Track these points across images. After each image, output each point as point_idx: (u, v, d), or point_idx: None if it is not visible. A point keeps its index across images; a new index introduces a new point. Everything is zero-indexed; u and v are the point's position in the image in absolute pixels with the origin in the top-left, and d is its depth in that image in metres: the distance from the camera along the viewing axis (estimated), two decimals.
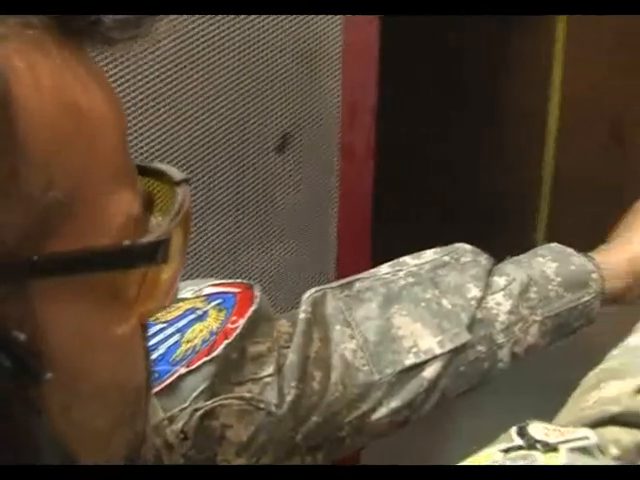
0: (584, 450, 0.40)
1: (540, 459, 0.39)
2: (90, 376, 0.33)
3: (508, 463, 0.39)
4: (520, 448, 0.41)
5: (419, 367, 0.63)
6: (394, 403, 0.63)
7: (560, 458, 0.39)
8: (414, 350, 0.64)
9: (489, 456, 0.41)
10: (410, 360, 0.63)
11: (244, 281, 0.66)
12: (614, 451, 0.45)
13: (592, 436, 0.41)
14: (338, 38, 1.30)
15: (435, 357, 0.64)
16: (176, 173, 0.38)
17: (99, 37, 0.32)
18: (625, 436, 0.44)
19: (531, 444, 0.41)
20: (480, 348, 0.66)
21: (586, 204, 3.22)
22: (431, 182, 3.03)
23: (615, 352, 0.56)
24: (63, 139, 0.30)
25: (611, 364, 0.54)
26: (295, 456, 0.62)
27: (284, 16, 1.21)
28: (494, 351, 0.67)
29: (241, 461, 0.57)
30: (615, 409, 0.45)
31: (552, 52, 3.96)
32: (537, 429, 0.42)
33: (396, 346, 0.64)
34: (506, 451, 0.42)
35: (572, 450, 0.40)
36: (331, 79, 1.32)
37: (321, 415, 0.61)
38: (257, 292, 0.64)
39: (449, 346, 0.64)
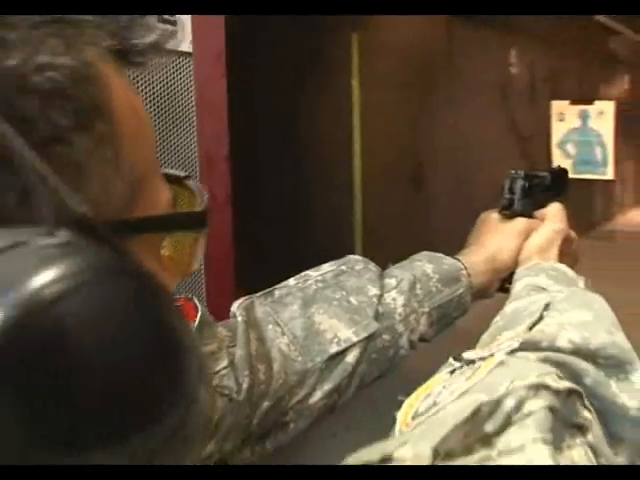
0: (513, 353, 0.53)
1: (481, 365, 0.51)
2: None
3: (455, 378, 0.52)
4: (461, 367, 0.54)
5: (342, 354, 0.75)
6: (326, 386, 0.74)
7: (496, 358, 0.51)
8: (335, 340, 0.75)
9: (437, 379, 0.53)
10: (334, 349, 0.75)
11: (181, 295, 0.75)
12: None
13: (515, 343, 0.54)
14: (191, 94, 1.42)
15: (353, 344, 0.76)
16: (178, 172, 0.48)
17: (133, 59, 0.41)
18: (531, 355, 0.57)
19: (469, 362, 0.54)
20: (385, 337, 0.79)
21: (394, 242, 3.52)
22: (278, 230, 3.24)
23: (497, 319, 0.71)
24: (134, 133, 0.39)
25: (497, 325, 0.68)
26: (247, 446, 0.71)
27: (141, 75, 1.30)
28: (396, 339, 0.80)
29: (210, 446, 0.66)
30: (516, 343, 0.58)
31: (350, 107, 4.29)
32: (469, 353, 0.55)
33: (320, 339, 0.75)
34: (451, 372, 0.54)
35: (505, 354, 0.53)
36: (188, 132, 1.42)
37: (270, 400, 0.71)
38: (197, 302, 0.73)
39: (363, 334, 0.76)
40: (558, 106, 4.02)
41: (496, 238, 0.89)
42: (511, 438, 0.40)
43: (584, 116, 3.82)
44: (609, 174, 3.52)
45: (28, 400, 0.26)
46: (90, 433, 0.27)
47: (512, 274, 0.85)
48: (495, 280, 0.88)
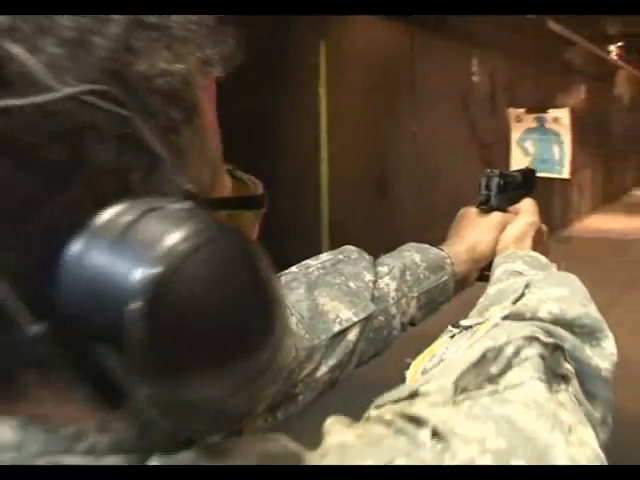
0: (505, 318, 0.62)
1: (479, 328, 0.60)
2: None
3: (456, 340, 0.60)
4: (460, 332, 0.63)
5: (344, 332, 0.83)
6: (331, 361, 0.82)
7: (492, 322, 0.60)
8: (338, 320, 0.83)
9: (440, 343, 0.62)
10: (337, 327, 0.83)
11: None
12: None
13: (506, 311, 0.63)
14: None
15: (354, 324, 0.84)
16: (226, 165, 0.56)
17: (205, 69, 0.45)
18: (518, 323, 0.66)
19: (467, 327, 0.63)
20: (381, 318, 0.87)
21: (360, 245, 3.63)
22: None
23: (481, 300, 0.79)
24: (213, 128, 0.45)
25: (483, 304, 0.76)
26: (261, 416, 0.79)
27: None
28: (390, 320, 0.88)
29: None
30: (505, 312, 0.67)
31: (318, 118, 4.38)
32: (466, 321, 0.64)
33: (325, 318, 0.83)
34: (452, 337, 0.63)
35: (499, 318, 0.62)
36: None
37: (285, 372, 0.78)
38: None
39: (362, 315, 0.85)
40: (514, 112, 4.11)
41: (475, 231, 0.97)
42: (512, 377, 0.50)
43: (541, 121, 3.92)
44: (565, 173, 3.62)
45: (174, 333, 0.34)
46: (218, 358, 0.35)
47: (490, 263, 0.93)
48: (475, 269, 0.97)
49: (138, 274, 0.33)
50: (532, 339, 0.53)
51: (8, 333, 0.34)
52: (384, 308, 0.88)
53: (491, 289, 0.79)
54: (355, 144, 4.67)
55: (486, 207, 0.98)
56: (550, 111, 3.97)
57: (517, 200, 1.00)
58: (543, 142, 3.91)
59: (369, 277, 0.88)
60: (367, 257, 0.92)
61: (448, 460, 0.39)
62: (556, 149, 3.81)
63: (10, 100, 0.33)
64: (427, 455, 0.40)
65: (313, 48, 4.31)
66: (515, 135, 3.84)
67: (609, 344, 0.63)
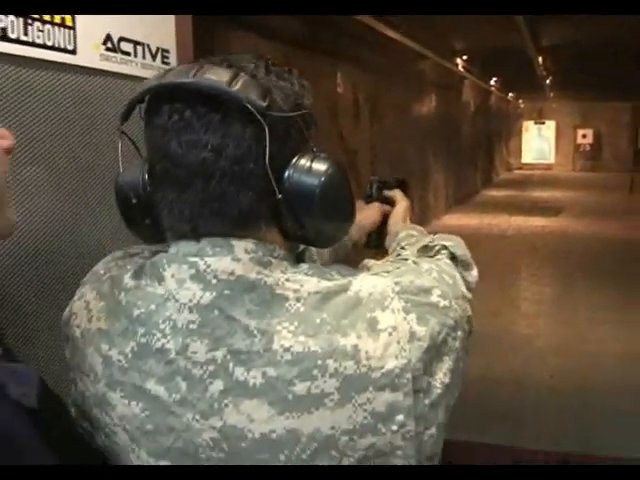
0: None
1: (401, 252, 1.06)
2: None
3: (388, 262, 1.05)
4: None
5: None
6: None
7: (407, 252, 1.05)
8: None
9: (388, 258, 1.06)
10: None
11: None
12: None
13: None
14: None
15: None
16: None
17: None
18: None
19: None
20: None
21: None
22: None
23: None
24: None
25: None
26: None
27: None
28: (315, 262, 1.27)
29: None
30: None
31: None
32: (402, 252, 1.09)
33: None
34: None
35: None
36: None
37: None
38: None
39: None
40: None
41: (363, 213, 1.39)
42: (438, 257, 0.98)
43: None
44: None
45: (331, 201, 0.83)
46: (340, 211, 0.86)
47: (371, 233, 1.39)
48: (362, 235, 1.41)
49: (317, 179, 0.81)
50: (444, 246, 1.01)
51: (262, 202, 0.80)
52: (310, 255, 1.29)
53: (406, 250, 1.17)
54: None
55: (370, 200, 1.43)
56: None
57: (391, 197, 1.44)
58: None
59: None
60: None
61: (420, 267, 0.89)
62: None
63: (275, 112, 0.79)
64: (413, 265, 0.90)
65: None
66: None
67: (475, 271, 1.06)
